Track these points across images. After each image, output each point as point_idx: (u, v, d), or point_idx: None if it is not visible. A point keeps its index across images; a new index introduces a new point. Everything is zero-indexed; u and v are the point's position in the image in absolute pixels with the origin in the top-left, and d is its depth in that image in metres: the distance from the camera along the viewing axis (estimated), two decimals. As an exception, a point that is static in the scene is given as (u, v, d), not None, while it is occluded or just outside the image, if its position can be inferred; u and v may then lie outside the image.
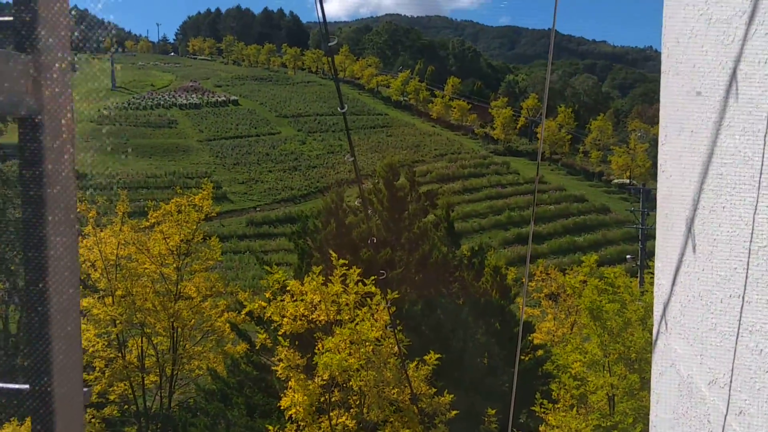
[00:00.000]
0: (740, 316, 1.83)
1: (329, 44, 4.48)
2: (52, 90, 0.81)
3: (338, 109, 5.32)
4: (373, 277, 10.85)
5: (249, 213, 58.58)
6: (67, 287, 0.84)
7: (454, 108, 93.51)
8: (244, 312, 13.84)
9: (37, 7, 0.80)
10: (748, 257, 1.81)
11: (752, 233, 1.79)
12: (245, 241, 52.92)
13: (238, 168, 69.17)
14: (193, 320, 18.78)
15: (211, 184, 20.93)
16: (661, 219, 2.51)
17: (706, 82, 2.13)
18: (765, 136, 1.72)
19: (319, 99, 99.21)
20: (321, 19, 4.35)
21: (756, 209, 1.76)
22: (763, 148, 1.72)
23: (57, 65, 0.80)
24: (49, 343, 0.81)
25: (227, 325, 18.27)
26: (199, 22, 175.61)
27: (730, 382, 1.87)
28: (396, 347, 10.83)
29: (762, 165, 1.73)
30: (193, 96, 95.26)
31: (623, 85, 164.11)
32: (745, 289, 1.81)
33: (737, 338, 1.84)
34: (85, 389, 0.93)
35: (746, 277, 1.80)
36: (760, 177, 1.74)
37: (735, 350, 1.85)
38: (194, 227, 18.66)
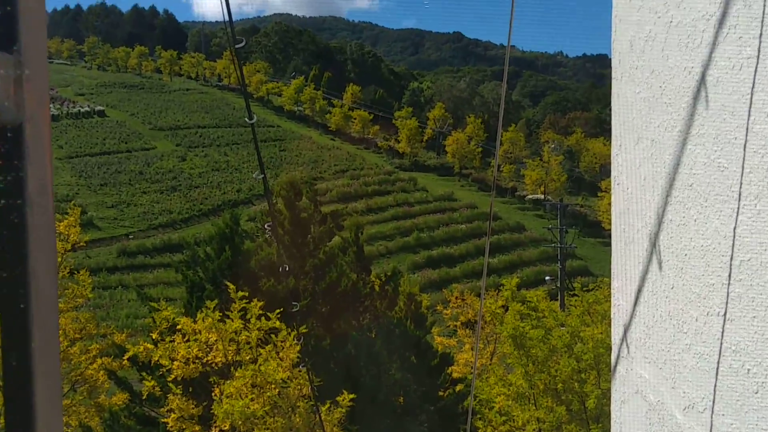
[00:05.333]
0: (722, 335, 1.91)
1: (236, 46, 4.42)
2: (33, 93, 0.78)
3: (245, 119, 5.26)
4: (277, 311, 10.72)
5: (120, 241, 56.52)
6: (48, 300, 0.82)
7: (355, 119, 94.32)
8: (126, 356, 13.30)
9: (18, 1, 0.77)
10: (730, 272, 1.88)
11: (733, 247, 1.87)
12: (117, 274, 50.99)
13: (107, 189, 66.76)
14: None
15: (78, 209, 20.09)
16: (617, 234, 2.58)
17: (668, 88, 2.22)
18: (744, 145, 1.82)
19: (201, 109, 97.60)
20: (226, 17, 4.28)
21: (737, 222, 1.84)
22: (743, 158, 1.82)
23: (37, 66, 0.77)
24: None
25: (102, 372, 17.48)
26: (56, 21, 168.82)
27: (712, 405, 1.95)
28: (305, 389, 10.72)
29: (742, 175, 1.82)
30: (50, 106, 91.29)
31: (534, 93, 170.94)
32: (726, 306, 1.88)
33: (719, 359, 1.92)
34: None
35: (727, 293, 1.87)
36: (740, 188, 1.83)
37: (717, 371, 1.93)
38: (59, 260, 17.81)
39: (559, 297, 38.52)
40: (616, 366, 2.61)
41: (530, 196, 78.48)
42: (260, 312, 11.35)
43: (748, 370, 1.85)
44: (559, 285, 40.12)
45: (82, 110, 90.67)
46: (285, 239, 16.39)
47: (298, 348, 11.27)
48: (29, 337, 0.76)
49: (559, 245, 41.02)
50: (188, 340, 11.12)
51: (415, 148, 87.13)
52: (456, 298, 31.56)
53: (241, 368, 11.01)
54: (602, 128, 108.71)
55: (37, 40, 0.80)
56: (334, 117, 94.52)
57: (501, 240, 61.68)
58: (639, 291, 2.41)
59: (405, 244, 59.42)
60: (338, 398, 11.85)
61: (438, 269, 55.59)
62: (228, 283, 11.98)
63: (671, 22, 2.16)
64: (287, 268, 11.30)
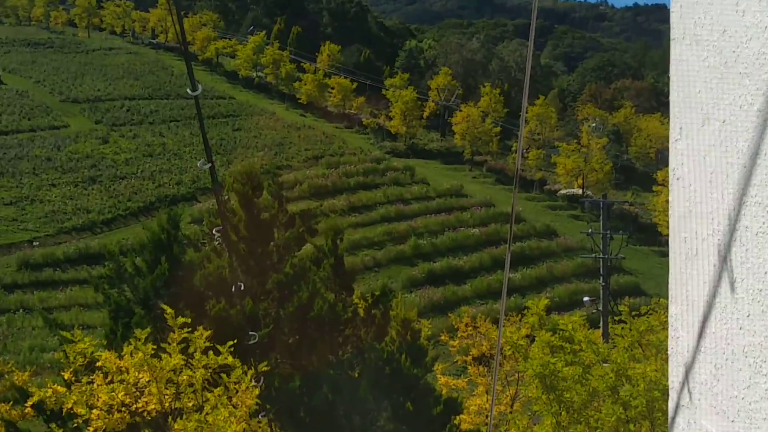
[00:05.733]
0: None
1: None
2: None
3: (188, 90, 5.26)
4: (230, 343, 10.74)
5: (22, 249, 56.26)
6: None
7: (333, 88, 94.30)
8: (30, 402, 13.24)
9: None
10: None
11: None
12: (16, 293, 50.73)
13: (3, 181, 66.49)
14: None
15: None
16: (677, 245, 2.58)
17: (744, 53, 2.20)
18: None
19: (128, 74, 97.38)
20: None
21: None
22: None
23: None
24: None
25: (-2, 423, 17.48)
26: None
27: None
28: (266, 446, 10.74)
29: None
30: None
31: (569, 55, 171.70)
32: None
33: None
34: None
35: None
36: None
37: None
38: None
39: (601, 324, 38.71)
40: (674, 417, 2.61)
41: (564, 191, 78.70)
42: (207, 344, 11.35)
43: None
44: (601, 308, 40.28)
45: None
46: (240, 248, 16.40)
47: (257, 392, 11.27)
48: None
49: (601, 256, 41.17)
50: (112, 382, 11.12)
51: (412, 127, 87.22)
52: (466, 325, 31.61)
53: (182, 419, 11.02)
54: (659, 102, 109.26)
55: None
56: (306, 86, 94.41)
57: (525, 249, 61.83)
58: (705, 320, 2.41)
59: (399, 253, 59.45)
60: (310, 458, 11.88)
61: (442, 287, 55.69)
62: (164, 307, 11.97)
63: (749, -34, 2.15)
64: (243, 287, 11.30)
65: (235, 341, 11.06)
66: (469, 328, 31.62)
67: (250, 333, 8.07)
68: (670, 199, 2.59)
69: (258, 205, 17.62)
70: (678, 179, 2.51)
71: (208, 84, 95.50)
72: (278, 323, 15.63)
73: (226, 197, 18.12)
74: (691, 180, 2.46)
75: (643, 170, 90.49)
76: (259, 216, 17.38)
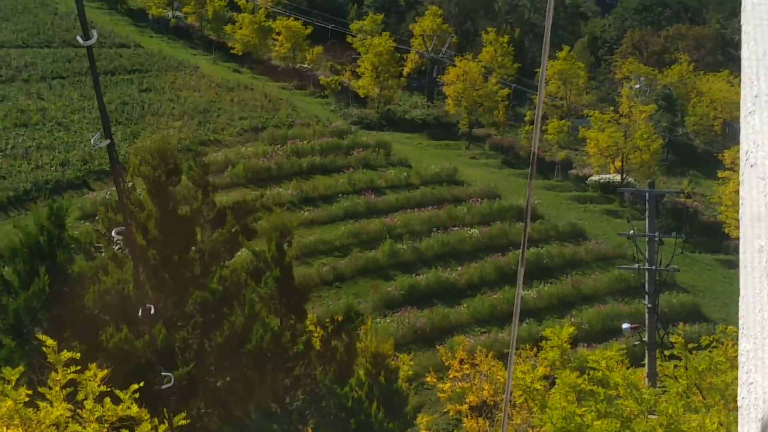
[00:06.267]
0: None
1: None
2: None
3: (78, 38, 5.23)
4: (135, 386, 10.69)
5: None
6: None
7: (279, 34, 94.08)
8: None
9: None
10: None
11: None
12: None
13: None
14: None
15: None
16: (750, 254, 2.60)
17: None
18: None
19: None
20: None
21: None
22: None
23: None
24: None
25: None
26: None
27: None
28: None
29: None
30: None
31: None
32: None
33: None
34: None
35: None
36: None
37: None
38: None
39: (646, 361, 38.88)
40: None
41: (596, 178, 79.00)
42: (103, 388, 11.30)
43: None
44: (646, 339, 40.47)
45: None
46: (149, 255, 16.32)
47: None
48: None
49: (647, 267, 41.33)
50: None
51: (388, 88, 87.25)
52: (461, 362, 31.74)
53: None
54: (726, 55, 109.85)
55: None
56: (241, 30, 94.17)
57: (543, 257, 61.97)
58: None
59: (369, 262, 59.38)
60: None
61: (429, 308, 55.67)
62: (42, 337, 11.90)
63: None
64: (153, 309, 11.24)
65: (142, 384, 11.00)
66: (465, 366, 31.73)
67: (163, 373, 8.01)
68: (741, 192, 2.59)
69: (174, 195, 17.55)
70: (752, 166, 2.53)
71: (106, 27, 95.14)
72: (202, 359, 15.57)
73: (131, 184, 17.94)
74: (769, 167, 2.48)
75: (704, 149, 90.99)
76: (176, 210, 17.28)
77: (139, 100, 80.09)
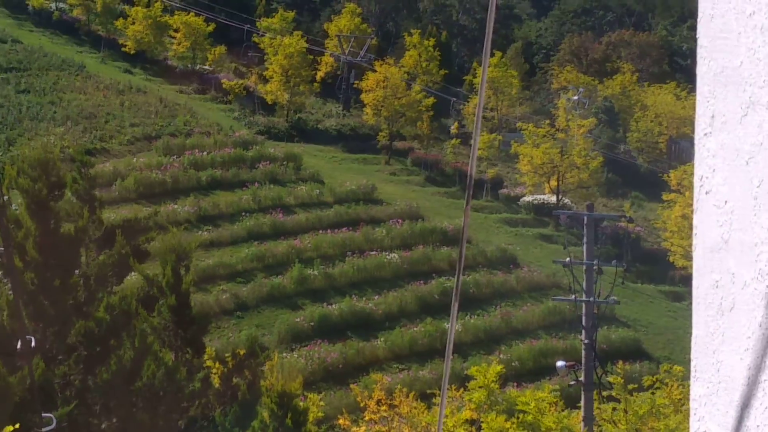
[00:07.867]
0: None
1: None
2: None
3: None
4: (9, 429, 10.55)
5: None
6: None
7: (177, 31, 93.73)
8: None
9: None
10: None
11: None
12: None
13: None
14: None
15: None
16: (702, 292, 2.61)
17: None
18: None
19: None
20: None
21: None
22: None
23: None
24: None
25: None
26: None
27: None
28: None
29: None
30: None
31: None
32: None
33: None
34: None
35: None
36: None
37: None
38: None
39: (582, 402, 39.03)
40: None
41: (529, 198, 79.53)
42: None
43: None
44: (583, 378, 40.73)
45: None
46: (27, 278, 16.12)
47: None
48: None
49: (584, 297, 41.64)
50: None
51: (299, 94, 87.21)
52: (377, 402, 31.68)
53: None
54: (674, 66, 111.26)
55: None
56: (135, 26, 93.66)
57: (469, 284, 62.15)
58: (745, 405, 2.44)
59: (276, 290, 59.28)
60: None
61: (342, 341, 55.70)
62: None
63: None
64: (32, 341, 11.08)
65: (18, 426, 10.86)
66: (383, 408, 31.71)
67: (43, 414, 7.88)
68: (694, 221, 2.60)
69: (57, 211, 17.37)
70: (707, 193, 2.53)
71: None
72: (85, 398, 15.41)
73: (6, 198, 17.69)
74: (727, 195, 2.49)
75: (648, 169, 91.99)
76: (58, 229, 17.11)
77: (16, 102, 79.25)
